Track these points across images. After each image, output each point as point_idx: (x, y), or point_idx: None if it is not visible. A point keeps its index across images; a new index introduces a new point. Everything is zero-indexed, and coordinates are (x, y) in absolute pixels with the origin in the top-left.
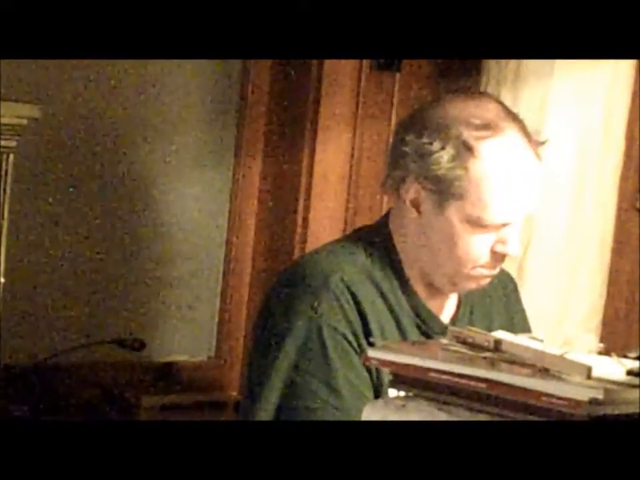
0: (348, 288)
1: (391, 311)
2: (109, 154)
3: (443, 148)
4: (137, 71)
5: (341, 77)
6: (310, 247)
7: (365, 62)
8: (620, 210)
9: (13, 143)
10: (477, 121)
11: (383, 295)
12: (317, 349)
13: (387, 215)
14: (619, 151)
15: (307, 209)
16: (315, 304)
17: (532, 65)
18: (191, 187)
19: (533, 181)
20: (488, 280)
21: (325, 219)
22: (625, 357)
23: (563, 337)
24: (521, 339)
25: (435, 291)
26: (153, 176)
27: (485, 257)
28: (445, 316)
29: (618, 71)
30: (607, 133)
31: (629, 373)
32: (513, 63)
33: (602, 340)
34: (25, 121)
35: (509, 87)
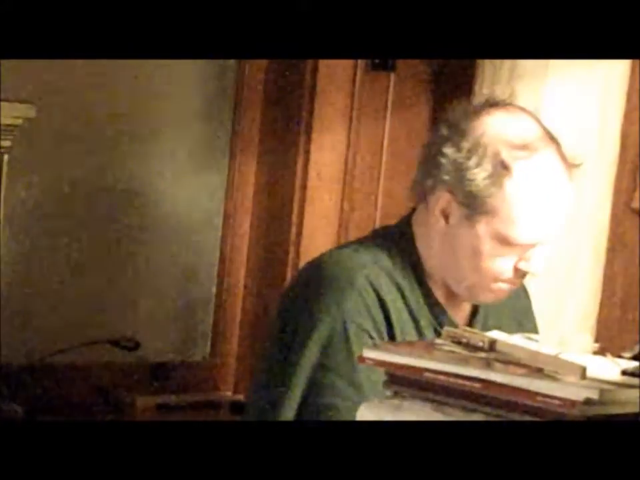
0: (372, 286)
1: (411, 312)
2: (104, 154)
3: (479, 164)
4: (132, 72)
5: (336, 76)
6: (304, 246)
7: (360, 62)
8: (615, 210)
9: (8, 143)
10: (516, 141)
11: (403, 296)
12: (341, 345)
13: (408, 217)
14: (613, 151)
15: (301, 209)
16: (340, 301)
17: (527, 65)
18: (185, 187)
19: (564, 203)
20: (507, 293)
21: (319, 219)
22: (620, 357)
23: (557, 337)
24: (515, 339)
25: (453, 296)
26: (147, 176)
27: (507, 273)
28: (461, 322)
29: (613, 70)
30: (601, 132)
31: (624, 373)
32: (507, 62)
33: (597, 340)
34: (20, 121)
35: (503, 87)
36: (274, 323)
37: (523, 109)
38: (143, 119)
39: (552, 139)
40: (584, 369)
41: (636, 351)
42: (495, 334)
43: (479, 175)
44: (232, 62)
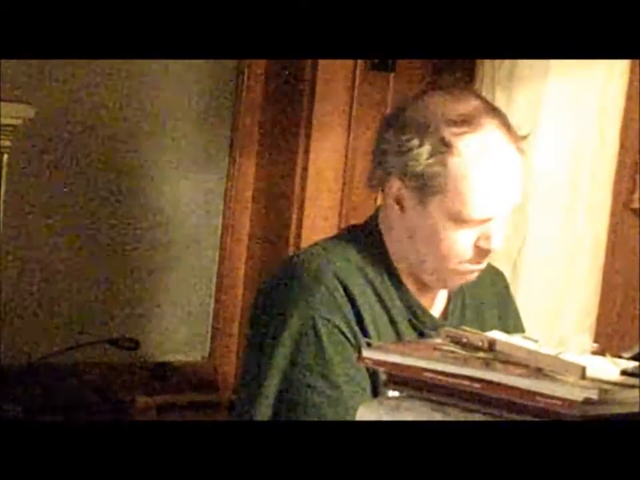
0: (341, 282)
1: (384, 305)
2: (102, 154)
3: (421, 145)
4: (131, 72)
5: (336, 76)
6: (304, 246)
7: (360, 62)
8: (614, 210)
9: (7, 143)
10: (456, 117)
11: (375, 290)
12: (312, 341)
13: (376, 213)
14: (613, 151)
15: (301, 208)
16: (309, 298)
17: (526, 65)
18: (185, 187)
19: (514, 175)
20: (475, 275)
21: (319, 218)
22: (619, 357)
23: (557, 337)
24: (515, 339)
25: (425, 286)
26: (147, 177)
27: (468, 252)
28: (436, 311)
29: (612, 71)
30: (601, 132)
31: (623, 373)
32: (507, 63)
33: (596, 340)
34: (19, 121)
35: (503, 87)
36: (250, 321)
37: (465, 88)
38: (142, 119)
39: (495, 111)
40: (584, 369)
41: (636, 350)
42: (494, 334)
43: (422, 154)
44: (231, 62)
